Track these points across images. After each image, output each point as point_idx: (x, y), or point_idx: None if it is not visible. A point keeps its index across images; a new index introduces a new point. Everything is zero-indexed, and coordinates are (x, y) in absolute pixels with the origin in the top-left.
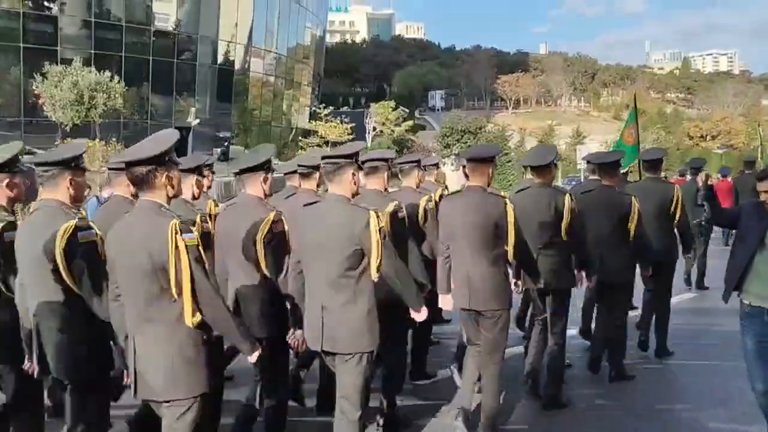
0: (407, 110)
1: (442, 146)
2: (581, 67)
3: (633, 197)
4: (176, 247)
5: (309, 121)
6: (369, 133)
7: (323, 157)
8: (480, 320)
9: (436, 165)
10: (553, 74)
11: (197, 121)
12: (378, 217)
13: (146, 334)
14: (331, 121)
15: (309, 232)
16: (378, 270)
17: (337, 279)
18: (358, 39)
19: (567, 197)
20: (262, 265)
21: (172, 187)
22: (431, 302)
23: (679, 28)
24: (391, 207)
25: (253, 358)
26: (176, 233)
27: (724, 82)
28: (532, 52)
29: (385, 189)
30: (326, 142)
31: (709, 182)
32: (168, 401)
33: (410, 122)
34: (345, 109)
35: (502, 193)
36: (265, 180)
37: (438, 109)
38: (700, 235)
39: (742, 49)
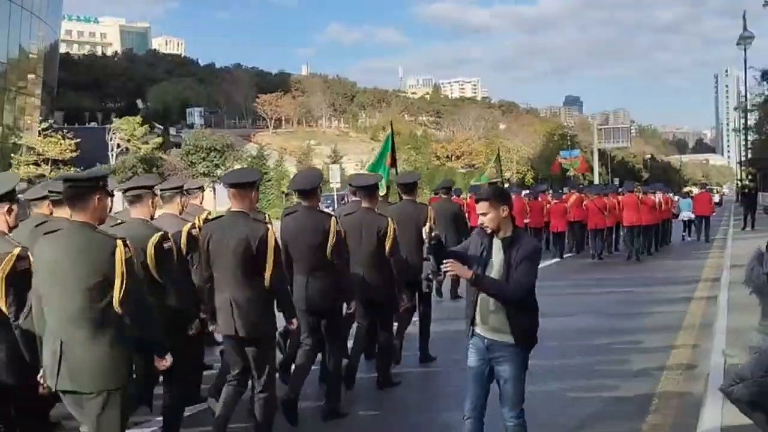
0: (161, 127)
1: (186, 164)
2: (341, 90)
3: (389, 218)
4: None
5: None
6: (112, 150)
7: (65, 180)
8: (246, 346)
9: (201, 188)
10: (313, 95)
11: None
12: (126, 245)
13: None
14: (52, 137)
15: (46, 262)
16: (120, 302)
17: (78, 312)
18: (110, 52)
19: (333, 220)
20: (2, 305)
21: None
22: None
23: (431, 58)
24: (156, 238)
25: None
26: None
27: (468, 107)
28: (295, 73)
29: (151, 217)
30: (45, 160)
31: (434, 233)
32: None
33: (159, 139)
34: (93, 125)
35: (266, 218)
36: (9, 212)
37: (197, 127)
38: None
39: (484, 78)
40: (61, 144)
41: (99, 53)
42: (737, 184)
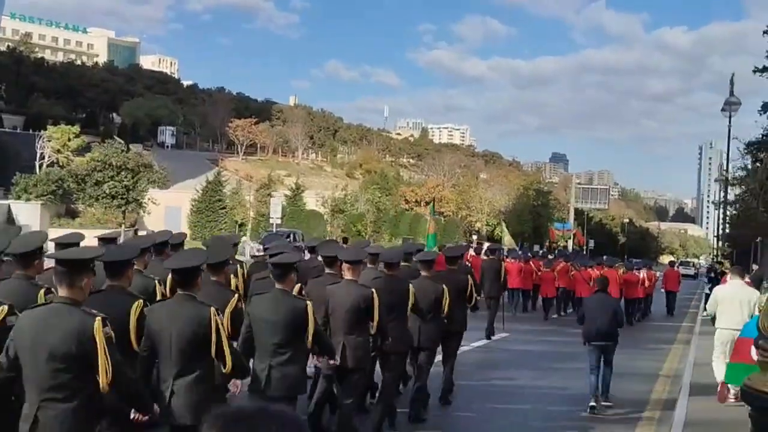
0: (122, 141)
1: (91, 182)
2: (323, 123)
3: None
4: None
5: None
6: (41, 160)
7: (173, 270)
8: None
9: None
10: (293, 126)
11: None
12: (218, 313)
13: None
14: None
15: (160, 327)
16: (215, 355)
17: (184, 366)
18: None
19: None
20: (135, 343)
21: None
22: None
23: (424, 102)
24: (233, 302)
25: None
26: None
27: (450, 153)
28: (282, 102)
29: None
30: None
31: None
32: None
33: (96, 154)
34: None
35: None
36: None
37: (168, 146)
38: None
39: (474, 128)
40: None
41: (82, 63)
42: (712, 258)
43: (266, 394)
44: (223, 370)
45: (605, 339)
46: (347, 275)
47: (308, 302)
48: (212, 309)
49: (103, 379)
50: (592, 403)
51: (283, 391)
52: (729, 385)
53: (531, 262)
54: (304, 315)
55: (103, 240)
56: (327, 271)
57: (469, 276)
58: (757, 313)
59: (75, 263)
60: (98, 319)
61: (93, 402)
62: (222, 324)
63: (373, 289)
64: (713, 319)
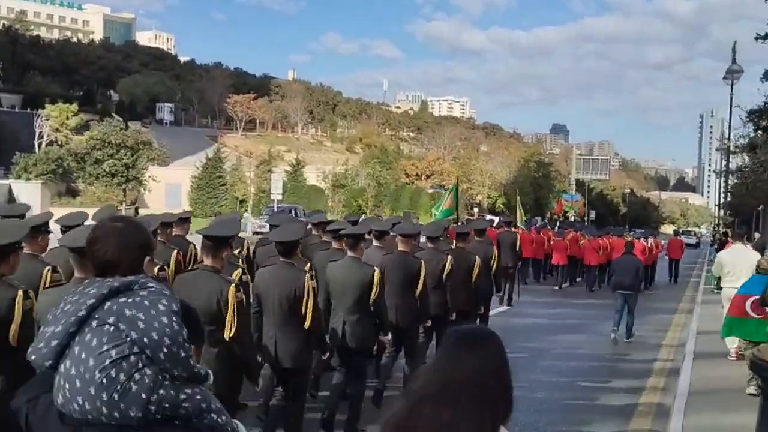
0: (120, 119)
1: (91, 161)
2: (322, 98)
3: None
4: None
5: None
6: (39, 139)
7: (278, 243)
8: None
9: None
10: (292, 101)
11: None
12: (311, 278)
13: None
14: None
15: (267, 286)
16: (312, 315)
17: (287, 319)
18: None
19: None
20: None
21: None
22: None
23: (424, 75)
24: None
25: None
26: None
27: (450, 125)
28: (281, 77)
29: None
30: None
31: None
32: None
33: (95, 132)
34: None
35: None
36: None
37: (166, 123)
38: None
39: (474, 100)
40: None
41: (78, 40)
42: (714, 227)
43: (342, 346)
44: (306, 326)
45: (629, 289)
46: (400, 247)
47: (376, 269)
48: (307, 275)
49: (227, 332)
50: (613, 336)
51: (355, 344)
52: (726, 339)
53: (542, 233)
54: (372, 280)
55: (181, 219)
56: (375, 243)
57: (494, 247)
58: (755, 272)
59: (219, 239)
60: (233, 285)
61: (231, 350)
62: (313, 288)
63: (422, 261)
64: (717, 282)
